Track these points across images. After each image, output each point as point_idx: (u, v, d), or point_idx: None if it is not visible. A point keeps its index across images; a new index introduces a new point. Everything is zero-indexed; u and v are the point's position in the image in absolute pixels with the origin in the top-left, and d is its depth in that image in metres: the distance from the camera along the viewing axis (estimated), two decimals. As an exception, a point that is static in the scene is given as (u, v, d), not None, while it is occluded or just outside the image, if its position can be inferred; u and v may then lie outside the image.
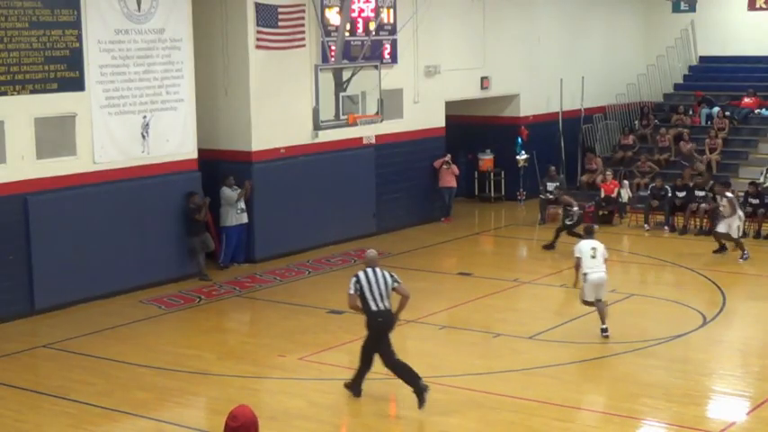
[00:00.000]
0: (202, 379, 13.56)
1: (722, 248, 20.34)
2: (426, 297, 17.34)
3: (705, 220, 22.41)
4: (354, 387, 12.70)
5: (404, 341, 15.53)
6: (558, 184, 24.06)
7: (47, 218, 16.65)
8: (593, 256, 14.94)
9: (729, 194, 20.30)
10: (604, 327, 14.85)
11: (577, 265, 15.04)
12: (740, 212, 20.28)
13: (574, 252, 15.21)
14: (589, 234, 15.53)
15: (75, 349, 14.80)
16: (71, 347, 14.90)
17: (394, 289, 12.38)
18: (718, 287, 17.87)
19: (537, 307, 17.26)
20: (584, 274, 14.93)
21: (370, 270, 12.40)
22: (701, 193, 22.68)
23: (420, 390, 12.15)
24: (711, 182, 22.92)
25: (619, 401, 12.44)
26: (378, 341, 12.40)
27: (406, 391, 12.92)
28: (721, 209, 20.32)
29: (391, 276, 12.41)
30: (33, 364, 14.53)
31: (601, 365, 13.81)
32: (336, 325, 15.90)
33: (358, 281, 12.34)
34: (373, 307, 12.27)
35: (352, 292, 12.37)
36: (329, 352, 14.56)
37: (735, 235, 20.00)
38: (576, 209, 21.20)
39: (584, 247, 15.06)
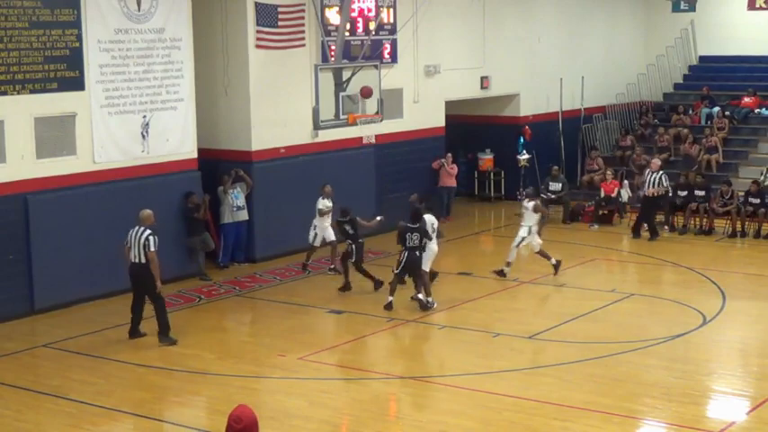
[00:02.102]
0: (202, 379, 13.55)
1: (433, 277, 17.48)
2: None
3: (705, 220, 22.42)
4: (133, 333, 15.01)
5: (404, 341, 15.57)
6: (561, 184, 24.06)
7: (47, 218, 16.64)
8: None
9: (429, 216, 16.99)
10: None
11: None
12: (434, 244, 16.91)
13: None
14: None
15: (74, 349, 14.79)
16: (71, 347, 14.90)
17: (145, 253, 14.55)
18: (719, 287, 17.87)
19: (537, 307, 17.26)
20: None
21: (137, 228, 14.74)
22: (701, 193, 22.67)
23: (136, 326, 15.04)
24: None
25: (619, 401, 12.43)
26: (134, 287, 14.86)
27: (407, 390, 12.93)
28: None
29: (146, 241, 14.53)
30: (33, 364, 14.51)
31: (601, 365, 13.79)
32: (336, 325, 15.90)
33: (129, 235, 14.81)
34: (133, 259, 14.71)
35: (126, 243, 14.81)
36: (329, 352, 14.56)
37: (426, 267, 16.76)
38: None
39: None
